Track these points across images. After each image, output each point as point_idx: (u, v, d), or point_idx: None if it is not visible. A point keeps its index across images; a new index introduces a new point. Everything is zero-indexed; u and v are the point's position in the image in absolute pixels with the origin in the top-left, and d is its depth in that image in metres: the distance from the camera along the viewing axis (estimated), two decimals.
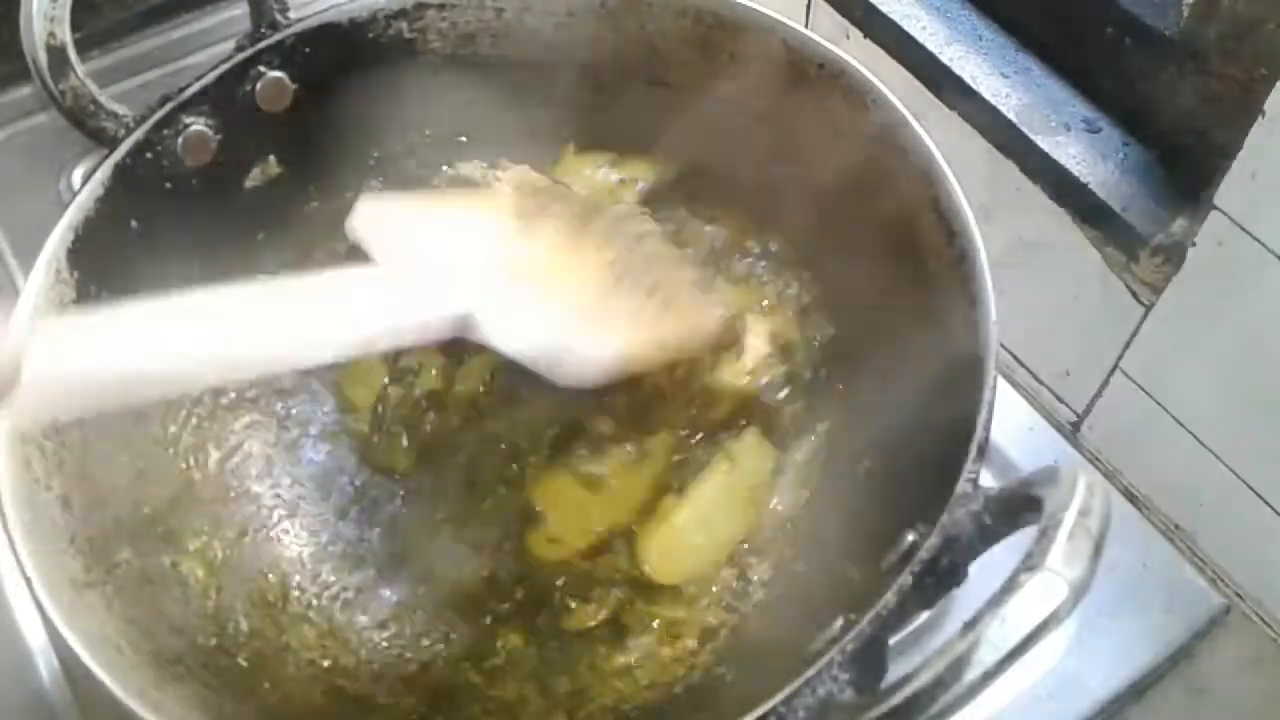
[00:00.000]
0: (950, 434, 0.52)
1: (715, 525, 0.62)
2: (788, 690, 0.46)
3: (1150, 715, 0.69)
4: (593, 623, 0.63)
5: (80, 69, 0.63)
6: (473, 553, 0.67)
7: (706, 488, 0.64)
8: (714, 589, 0.63)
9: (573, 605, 0.64)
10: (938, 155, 0.60)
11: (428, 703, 0.63)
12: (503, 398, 0.67)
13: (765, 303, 0.70)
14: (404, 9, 0.72)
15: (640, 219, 0.66)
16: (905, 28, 0.86)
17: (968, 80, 0.82)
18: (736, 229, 0.73)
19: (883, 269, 0.64)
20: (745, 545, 0.65)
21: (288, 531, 0.68)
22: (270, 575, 0.66)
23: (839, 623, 0.51)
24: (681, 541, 0.62)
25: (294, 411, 0.72)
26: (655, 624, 0.62)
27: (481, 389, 0.67)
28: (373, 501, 0.70)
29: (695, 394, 0.65)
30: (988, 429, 0.51)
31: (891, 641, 0.47)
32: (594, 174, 0.74)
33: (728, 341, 0.64)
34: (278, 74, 0.68)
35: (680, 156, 0.74)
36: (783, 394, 0.66)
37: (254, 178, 0.71)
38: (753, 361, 0.65)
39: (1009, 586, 0.42)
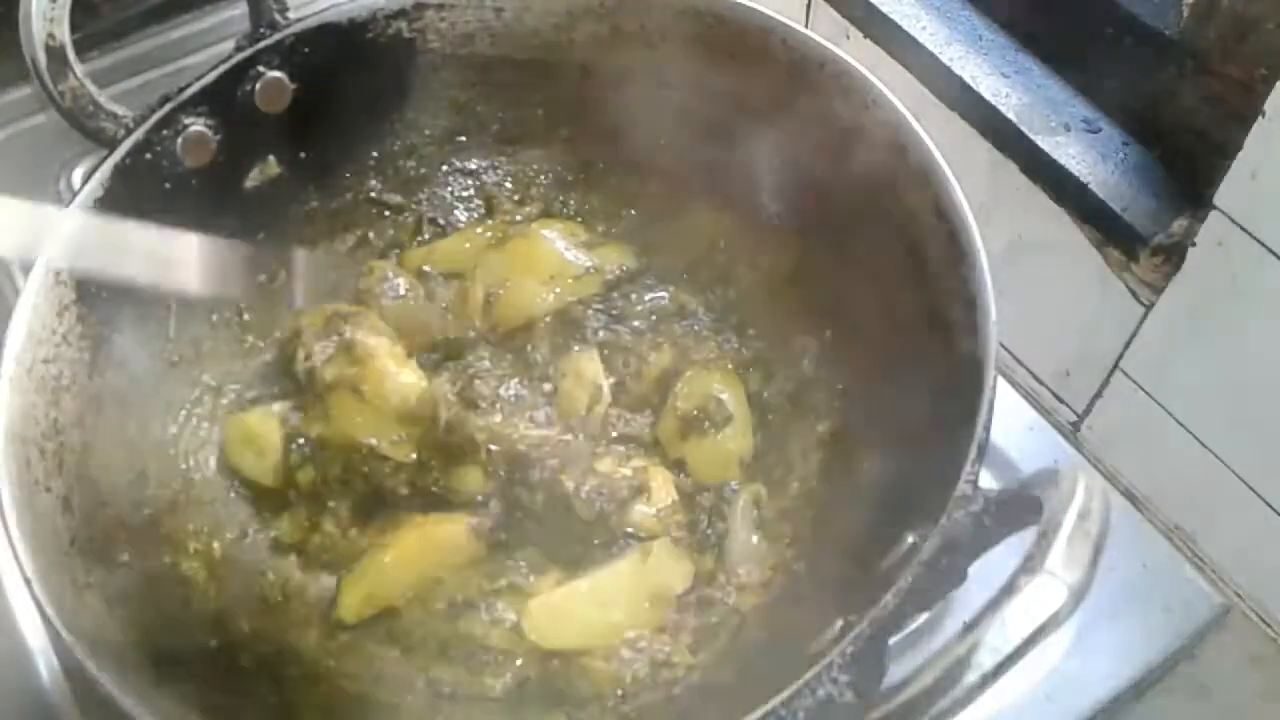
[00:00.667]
0: (950, 434, 0.52)
1: (606, 607, 0.64)
2: (788, 691, 0.46)
3: (1150, 715, 0.69)
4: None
5: (79, 69, 0.63)
6: None
7: (607, 572, 0.65)
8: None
9: None
10: (938, 155, 0.60)
11: (428, 702, 0.63)
12: None
13: (705, 357, 0.72)
14: (403, 9, 0.72)
15: None
16: (905, 28, 0.86)
17: (968, 80, 0.82)
18: (685, 293, 0.75)
19: (882, 269, 0.64)
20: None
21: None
22: (271, 575, 0.66)
23: (839, 624, 0.51)
24: (565, 610, 0.64)
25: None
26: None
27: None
28: (372, 501, 0.70)
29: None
30: (988, 429, 0.51)
31: (891, 643, 0.47)
32: (564, 255, 0.74)
33: (634, 490, 0.67)
34: (277, 74, 0.68)
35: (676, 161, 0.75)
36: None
37: (254, 178, 0.71)
38: (658, 507, 0.67)
39: (1009, 588, 0.42)
